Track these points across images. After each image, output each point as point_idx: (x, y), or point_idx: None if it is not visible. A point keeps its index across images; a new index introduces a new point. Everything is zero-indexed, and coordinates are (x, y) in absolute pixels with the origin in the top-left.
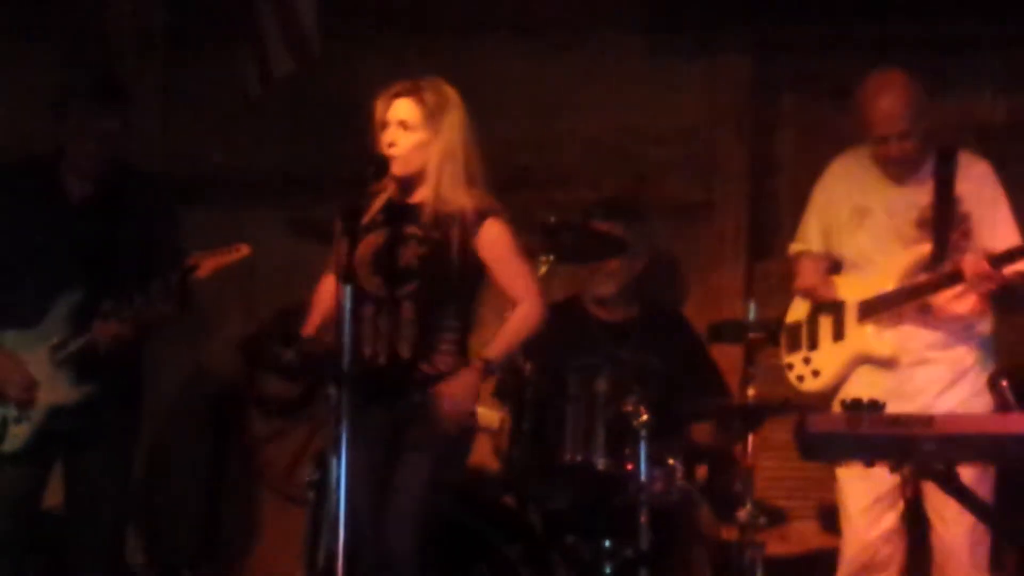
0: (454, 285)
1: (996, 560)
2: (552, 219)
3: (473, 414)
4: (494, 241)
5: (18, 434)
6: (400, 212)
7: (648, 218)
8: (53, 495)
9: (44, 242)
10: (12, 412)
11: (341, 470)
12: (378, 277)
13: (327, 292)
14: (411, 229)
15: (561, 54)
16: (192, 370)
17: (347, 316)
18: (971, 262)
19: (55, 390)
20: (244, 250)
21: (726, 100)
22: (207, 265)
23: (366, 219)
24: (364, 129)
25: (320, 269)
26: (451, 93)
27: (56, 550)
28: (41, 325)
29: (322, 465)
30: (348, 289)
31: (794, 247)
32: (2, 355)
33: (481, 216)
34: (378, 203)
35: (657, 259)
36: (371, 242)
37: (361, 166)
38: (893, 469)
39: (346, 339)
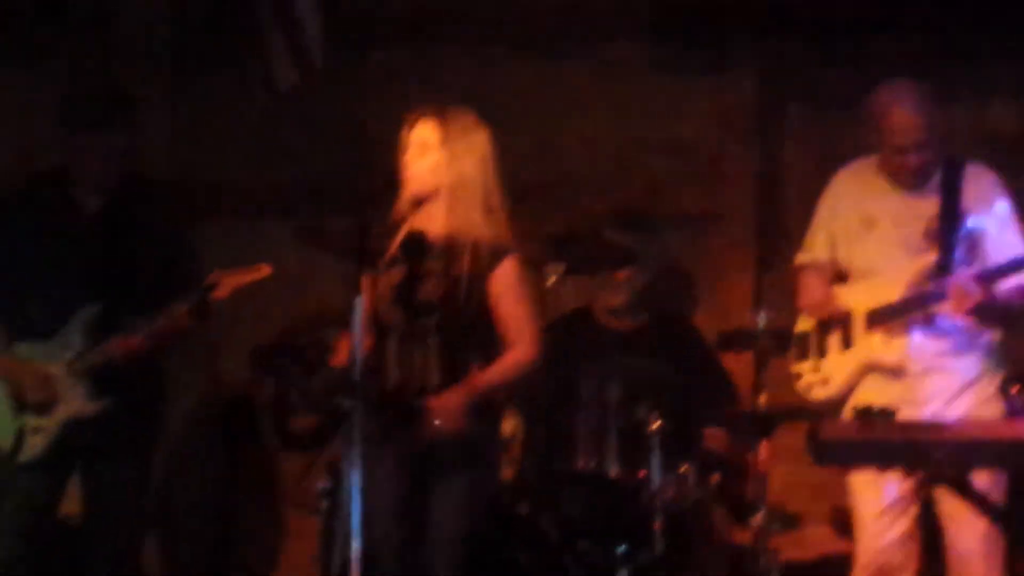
0: (475, 317)
1: (1010, 565)
2: (561, 230)
3: (460, 431)
4: (503, 282)
5: (35, 444)
6: (418, 246)
7: (657, 229)
8: (69, 503)
9: (58, 257)
10: (30, 422)
11: (355, 479)
12: (400, 312)
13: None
14: (430, 264)
15: (569, 67)
16: (204, 380)
17: (358, 333)
18: (954, 281)
19: (72, 403)
20: (264, 270)
21: (733, 112)
22: (227, 284)
23: (387, 255)
24: (370, 140)
25: (329, 280)
26: (475, 122)
27: (73, 560)
28: (57, 339)
29: (335, 474)
30: (359, 300)
31: (801, 257)
32: (19, 361)
33: (496, 254)
34: (398, 237)
35: (667, 269)
36: (392, 277)
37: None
38: (906, 474)
39: (356, 354)
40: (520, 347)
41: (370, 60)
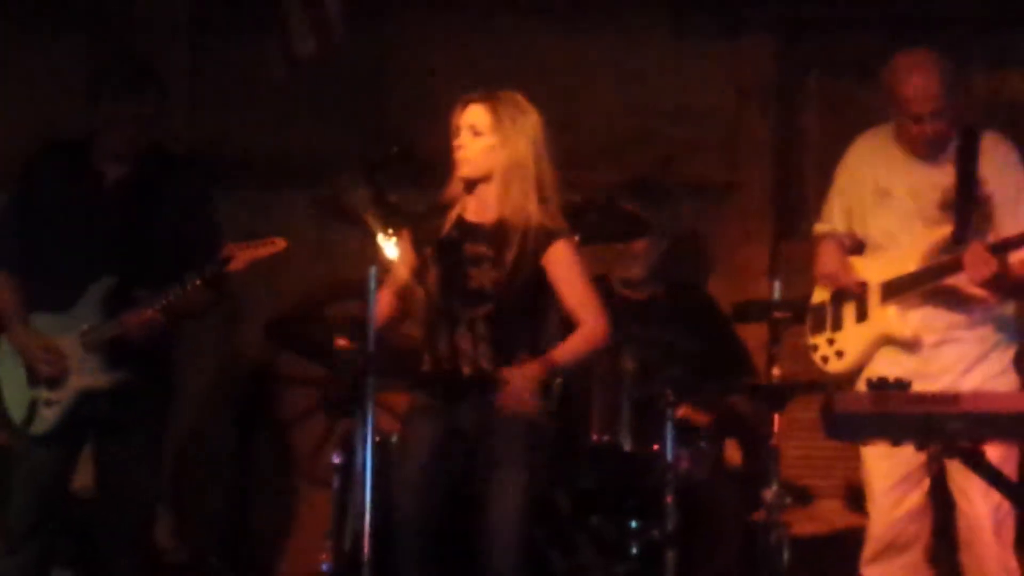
0: (528, 303)
1: (1021, 537)
2: (577, 199)
3: (535, 408)
4: (560, 262)
5: (47, 417)
6: (471, 230)
7: (673, 198)
8: (83, 477)
9: (78, 226)
10: (43, 395)
11: (367, 454)
12: (453, 298)
13: (384, 306)
14: (482, 249)
15: (586, 34)
16: (221, 353)
17: (371, 297)
18: (970, 251)
19: (86, 374)
20: (280, 243)
21: (751, 79)
22: (242, 257)
23: (441, 235)
24: (390, 110)
25: (347, 251)
26: (527, 107)
27: (86, 533)
28: (74, 310)
29: (348, 449)
30: (373, 270)
31: (818, 227)
32: (32, 334)
33: (549, 236)
34: (450, 219)
35: (683, 239)
36: (445, 262)
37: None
38: (919, 448)
39: (370, 317)
40: (589, 323)
41: (388, 30)
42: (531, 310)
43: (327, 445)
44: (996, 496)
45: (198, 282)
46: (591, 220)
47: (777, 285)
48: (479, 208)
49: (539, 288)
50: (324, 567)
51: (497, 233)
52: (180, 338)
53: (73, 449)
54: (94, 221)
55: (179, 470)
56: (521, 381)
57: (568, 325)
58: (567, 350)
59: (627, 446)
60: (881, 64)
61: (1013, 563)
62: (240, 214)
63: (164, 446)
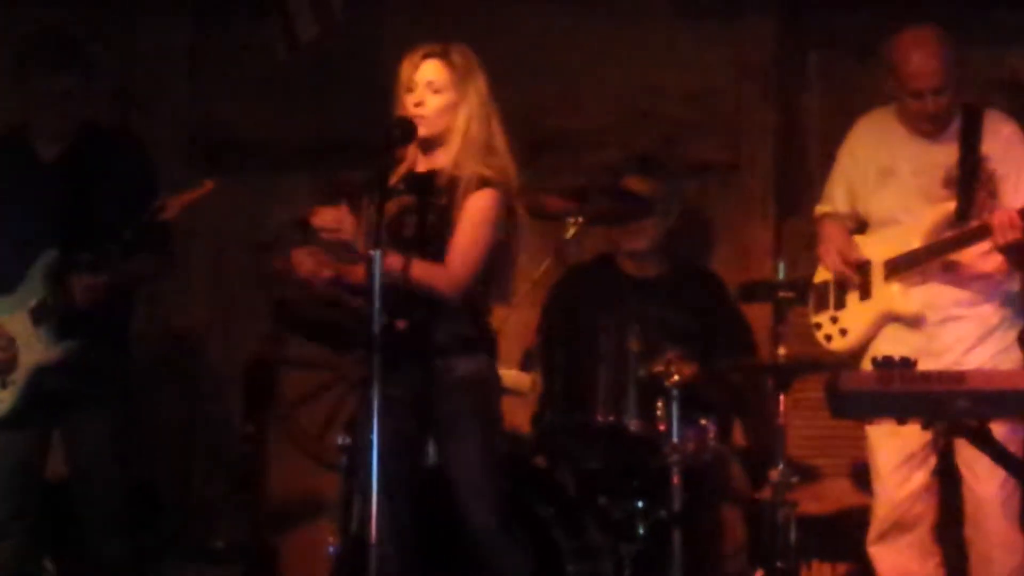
0: None
1: None
2: (581, 181)
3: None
4: (472, 206)
5: (4, 399)
6: (419, 182)
7: (677, 176)
8: (54, 465)
9: (16, 206)
10: None
11: (373, 435)
12: (392, 245)
13: None
14: (429, 199)
15: (587, 14)
16: (220, 336)
17: (378, 282)
18: (1000, 213)
19: (36, 349)
20: (208, 185)
21: (753, 58)
22: (174, 204)
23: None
24: (392, 92)
25: None
26: (476, 58)
27: (65, 521)
28: (19, 289)
29: (353, 430)
30: (379, 255)
31: (820, 208)
32: None
33: (481, 183)
34: (398, 173)
35: (687, 217)
36: (391, 213)
37: (387, 131)
38: (925, 426)
39: (377, 304)
40: (451, 268)
41: (390, 9)
42: None
43: (332, 426)
44: (1002, 473)
45: (134, 234)
46: (595, 200)
47: (781, 265)
48: (429, 156)
49: None
50: (331, 549)
51: (441, 180)
52: (138, 306)
53: (42, 431)
54: (33, 201)
55: (185, 456)
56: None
57: None
58: (417, 266)
59: (633, 426)
60: (883, 43)
61: (1018, 539)
62: (240, 197)
63: (130, 420)
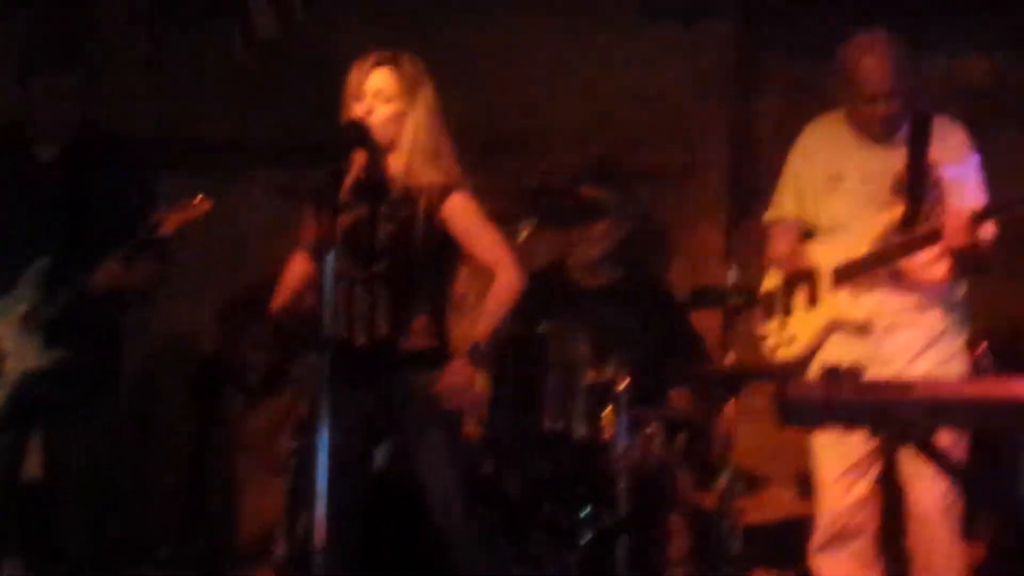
0: (424, 262)
1: (968, 524)
2: (535, 184)
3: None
4: (460, 212)
5: None
6: (370, 190)
7: (632, 182)
8: (28, 466)
9: (12, 209)
10: None
11: (323, 439)
12: (350, 258)
13: (297, 269)
14: (382, 208)
15: (545, 18)
16: (174, 339)
17: (330, 284)
18: (950, 216)
19: (26, 356)
20: (205, 204)
21: (709, 63)
22: (171, 221)
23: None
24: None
25: None
26: (423, 69)
27: (34, 522)
28: (12, 293)
29: (302, 435)
30: (331, 258)
31: (769, 214)
32: None
33: (445, 190)
34: (348, 181)
35: (640, 224)
36: (342, 222)
37: (340, 134)
38: (872, 435)
39: (328, 306)
40: (504, 272)
41: (350, 11)
42: (429, 269)
43: (280, 431)
44: (945, 482)
45: (130, 251)
46: (549, 204)
47: (732, 271)
48: (378, 165)
49: (440, 247)
50: (277, 553)
51: (395, 189)
52: (128, 317)
53: (21, 437)
54: (27, 202)
55: (136, 458)
56: (456, 381)
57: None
58: (488, 322)
59: (579, 433)
60: (839, 48)
61: (960, 549)
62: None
63: (113, 430)
